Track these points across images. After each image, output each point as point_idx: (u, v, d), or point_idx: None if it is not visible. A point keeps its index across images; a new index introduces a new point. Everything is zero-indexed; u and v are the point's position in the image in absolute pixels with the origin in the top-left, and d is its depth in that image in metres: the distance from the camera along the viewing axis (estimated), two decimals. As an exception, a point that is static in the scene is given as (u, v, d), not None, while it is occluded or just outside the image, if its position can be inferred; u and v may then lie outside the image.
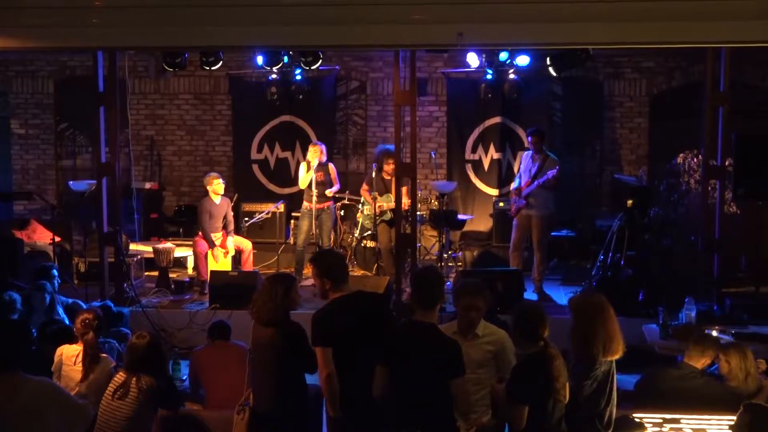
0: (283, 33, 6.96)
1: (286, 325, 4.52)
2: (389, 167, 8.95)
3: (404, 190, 8.21)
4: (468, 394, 4.09)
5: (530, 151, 8.55)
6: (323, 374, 4.23)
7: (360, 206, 9.58)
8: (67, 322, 6.62)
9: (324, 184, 8.92)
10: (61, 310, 6.97)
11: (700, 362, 4.85)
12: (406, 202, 8.30)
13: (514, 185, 8.79)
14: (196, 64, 10.00)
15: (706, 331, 5.86)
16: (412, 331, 4.15)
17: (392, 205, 8.64)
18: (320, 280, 4.43)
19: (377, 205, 9.00)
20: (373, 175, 9.33)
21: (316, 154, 8.82)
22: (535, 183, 8.27)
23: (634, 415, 4.55)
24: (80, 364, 5.16)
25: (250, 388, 4.77)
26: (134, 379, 4.58)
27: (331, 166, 9.12)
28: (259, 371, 4.62)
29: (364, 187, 9.38)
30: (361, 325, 4.31)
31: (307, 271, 9.33)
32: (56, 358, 5.19)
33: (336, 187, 9.14)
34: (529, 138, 8.55)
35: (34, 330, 5.93)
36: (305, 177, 8.87)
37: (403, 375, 4.03)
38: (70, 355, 5.18)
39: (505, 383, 3.99)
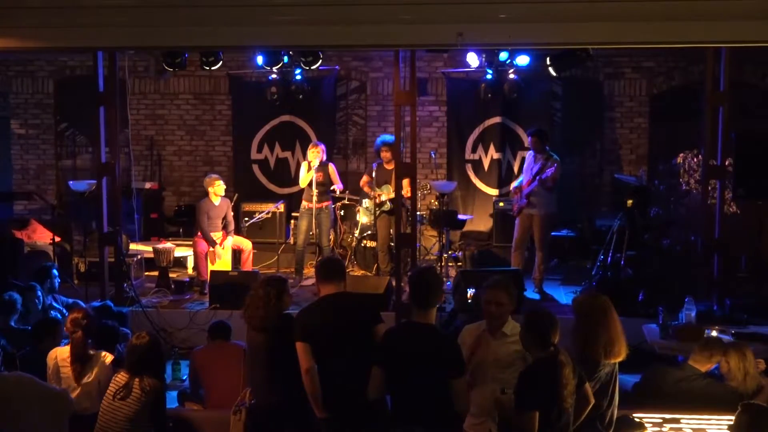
0: (283, 33, 6.95)
1: (280, 327, 4.51)
2: (386, 155, 9.04)
3: (405, 182, 8.17)
4: (467, 394, 4.07)
5: (533, 151, 8.55)
6: (303, 369, 4.25)
7: (360, 204, 9.57)
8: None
9: (324, 184, 8.92)
10: (60, 308, 6.97)
11: (704, 366, 4.86)
12: (407, 189, 8.26)
13: (515, 184, 8.79)
14: (196, 64, 9.99)
15: (707, 332, 5.87)
16: (410, 332, 4.15)
17: (392, 195, 8.67)
18: (317, 283, 4.58)
19: (376, 194, 9.03)
20: (374, 166, 9.37)
21: (316, 154, 8.82)
22: (535, 181, 8.27)
23: (634, 415, 4.55)
24: None
25: (247, 388, 4.78)
26: (137, 380, 4.58)
27: (331, 166, 9.12)
28: (256, 373, 4.63)
29: (364, 179, 9.39)
30: (343, 324, 4.32)
31: (308, 270, 9.34)
32: (50, 362, 5.13)
33: (340, 186, 9.15)
34: (530, 138, 8.54)
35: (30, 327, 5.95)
36: (306, 177, 8.88)
37: (401, 376, 4.03)
38: (64, 356, 5.15)
39: (513, 390, 3.95)
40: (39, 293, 6.66)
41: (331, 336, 4.28)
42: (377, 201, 9.08)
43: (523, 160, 9.92)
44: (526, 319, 4.05)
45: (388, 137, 9.20)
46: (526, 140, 10.22)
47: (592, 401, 4.02)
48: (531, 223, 8.42)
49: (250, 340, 4.64)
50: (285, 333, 4.45)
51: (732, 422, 4.30)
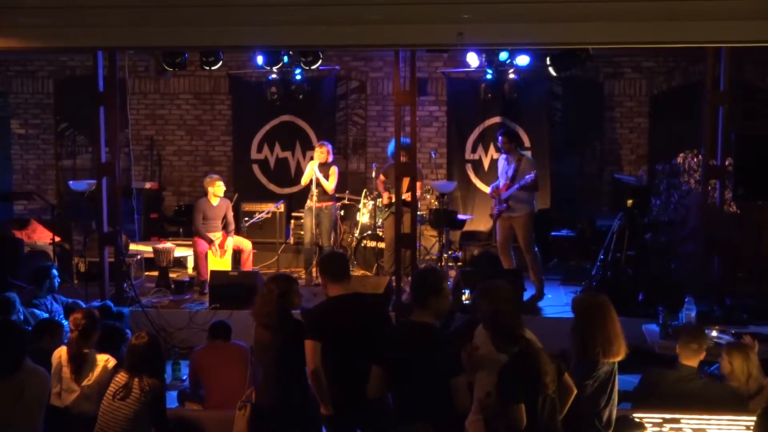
0: (283, 33, 6.96)
1: (286, 325, 4.53)
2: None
3: (406, 181, 8.20)
4: (467, 392, 4.07)
5: (504, 153, 8.40)
6: (310, 369, 4.27)
7: (365, 201, 9.55)
8: (65, 323, 6.62)
9: (320, 184, 8.87)
10: (61, 311, 6.96)
11: (694, 360, 4.82)
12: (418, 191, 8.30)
13: (491, 187, 8.62)
14: (196, 64, 10.00)
15: (707, 332, 5.85)
16: (408, 331, 4.16)
17: (406, 197, 8.63)
18: (321, 278, 4.59)
19: (389, 195, 9.02)
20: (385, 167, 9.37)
21: (320, 153, 8.81)
22: (515, 186, 8.08)
23: (634, 415, 4.55)
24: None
25: (252, 386, 4.78)
26: (136, 380, 4.57)
27: (333, 168, 9.03)
28: (261, 371, 4.64)
29: (381, 178, 9.38)
30: (355, 324, 4.34)
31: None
32: (54, 361, 5.12)
33: (332, 187, 9.00)
34: (499, 139, 8.35)
35: (30, 328, 5.94)
36: (305, 175, 8.88)
37: (400, 375, 4.04)
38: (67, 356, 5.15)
39: (495, 389, 3.95)
40: (19, 307, 6.57)
41: (343, 336, 4.30)
42: (388, 201, 9.06)
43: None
44: (489, 323, 4.03)
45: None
46: (527, 140, 10.25)
47: (575, 390, 4.03)
48: (511, 225, 8.26)
49: (257, 337, 4.65)
50: (291, 332, 4.47)
51: (734, 421, 4.32)
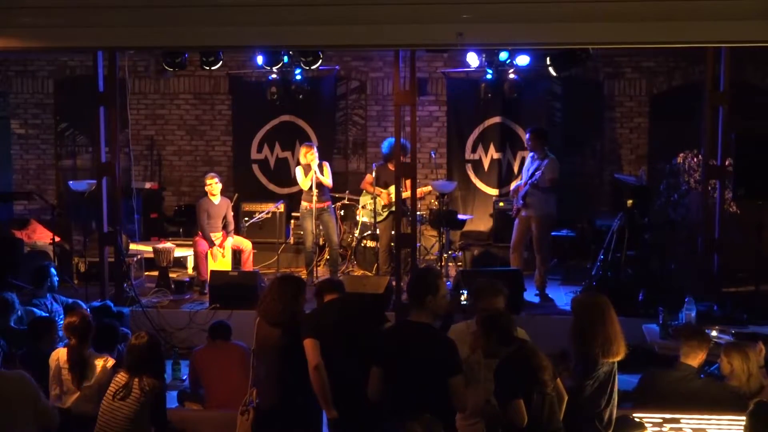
0: (283, 33, 6.96)
1: (292, 324, 4.54)
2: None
3: (407, 183, 8.20)
4: (465, 392, 4.07)
5: (531, 151, 8.50)
6: (311, 365, 4.28)
7: (363, 203, 9.54)
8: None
9: (321, 184, 8.86)
10: (61, 311, 6.95)
11: (695, 360, 4.83)
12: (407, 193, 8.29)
13: (514, 185, 8.75)
14: (196, 64, 10.00)
15: (707, 332, 5.85)
16: (406, 332, 4.16)
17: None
18: (318, 295, 4.80)
19: (387, 192, 8.99)
20: (374, 167, 9.32)
21: (313, 156, 8.76)
22: (529, 183, 8.20)
23: (634, 415, 4.55)
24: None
25: (254, 388, 4.77)
26: (136, 380, 4.57)
27: (326, 165, 9.02)
28: (265, 371, 4.63)
29: (368, 179, 9.35)
30: (353, 323, 4.38)
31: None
32: (52, 364, 5.13)
33: (330, 181, 9.01)
34: (527, 137, 8.47)
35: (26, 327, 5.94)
36: (306, 179, 8.82)
37: (398, 376, 4.03)
38: (65, 359, 5.13)
39: (493, 392, 3.96)
40: (17, 307, 6.56)
41: (340, 335, 4.32)
42: (386, 201, 9.04)
43: (523, 160, 9.92)
44: (482, 328, 4.04)
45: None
46: (525, 140, 10.24)
47: (566, 397, 4.04)
48: (528, 224, 8.35)
49: (263, 336, 4.64)
50: (297, 334, 4.48)
51: (733, 421, 4.31)
